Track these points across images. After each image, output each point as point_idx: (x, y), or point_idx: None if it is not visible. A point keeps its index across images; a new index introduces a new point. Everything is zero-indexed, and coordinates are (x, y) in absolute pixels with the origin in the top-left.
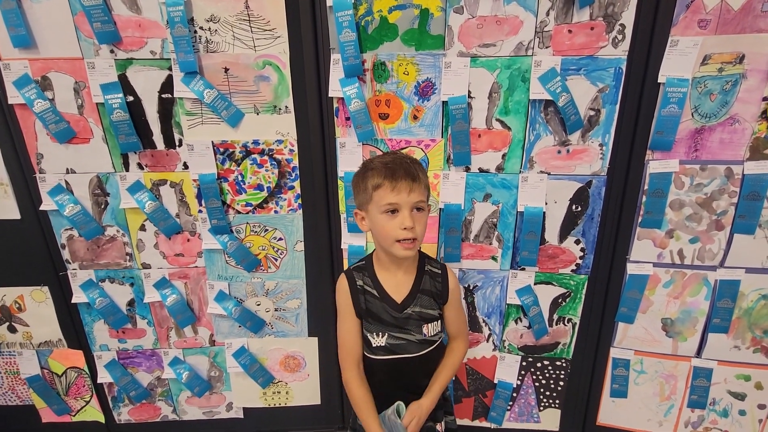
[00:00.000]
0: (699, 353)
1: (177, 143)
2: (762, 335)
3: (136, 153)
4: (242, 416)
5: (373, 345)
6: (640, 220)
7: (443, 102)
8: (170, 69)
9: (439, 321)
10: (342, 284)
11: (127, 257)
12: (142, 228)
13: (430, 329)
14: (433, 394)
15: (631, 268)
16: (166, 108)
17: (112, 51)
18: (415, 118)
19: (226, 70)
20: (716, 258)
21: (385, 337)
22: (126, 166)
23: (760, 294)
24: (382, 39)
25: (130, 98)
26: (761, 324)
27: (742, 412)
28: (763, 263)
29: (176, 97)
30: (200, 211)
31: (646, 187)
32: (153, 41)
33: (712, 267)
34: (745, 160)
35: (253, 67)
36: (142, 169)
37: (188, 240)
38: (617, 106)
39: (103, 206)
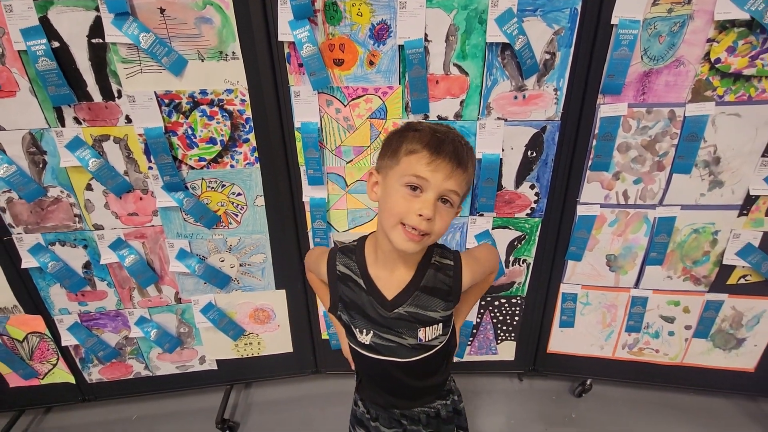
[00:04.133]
0: (637, 284)
1: (116, 94)
2: (692, 265)
3: (70, 106)
4: (216, 368)
5: (358, 339)
6: (590, 163)
7: (399, 46)
8: (97, 9)
9: (442, 324)
10: (320, 265)
11: (76, 219)
12: (89, 187)
13: (428, 333)
14: (463, 314)
15: (581, 210)
16: (99, 55)
17: None
18: (371, 63)
19: (162, 10)
20: (656, 197)
21: (371, 335)
22: (61, 121)
23: (692, 228)
24: None
25: (56, 44)
26: (691, 255)
27: (671, 333)
28: (697, 200)
29: (108, 43)
30: (150, 168)
31: (596, 132)
32: None
33: (652, 206)
34: (687, 102)
35: (193, 8)
36: (80, 123)
37: (141, 198)
38: (572, 50)
39: (41, 165)
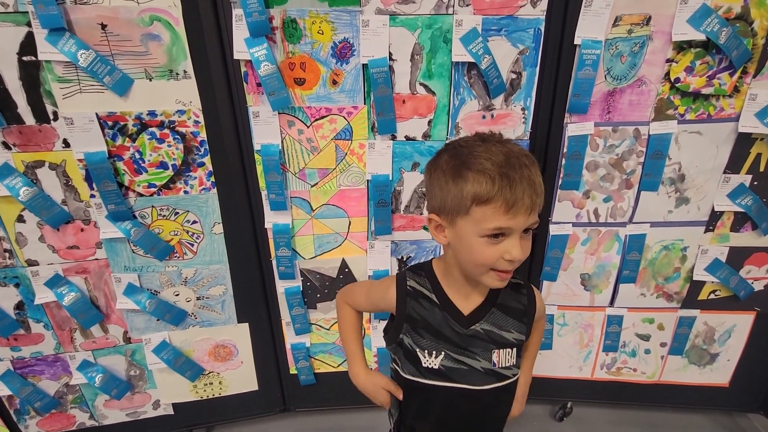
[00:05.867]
0: (612, 303)
1: (51, 116)
2: (663, 282)
3: None
4: (172, 412)
5: (423, 365)
6: (560, 182)
7: (363, 65)
8: (29, 25)
9: (515, 350)
10: (388, 289)
11: (6, 254)
12: (21, 219)
13: (501, 357)
14: (524, 389)
15: (553, 229)
16: (31, 74)
17: None
18: (335, 83)
19: (104, 26)
20: (626, 215)
21: (441, 357)
22: None
23: (662, 245)
24: None
25: None
26: (663, 272)
27: (647, 351)
28: (665, 217)
29: (42, 60)
30: (92, 196)
31: (565, 150)
32: None
33: (622, 223)
34: (651, 120)
35: (138, 24)
36: (9, 149)
37: (82, 230)
38: (537, 69)
39: None
